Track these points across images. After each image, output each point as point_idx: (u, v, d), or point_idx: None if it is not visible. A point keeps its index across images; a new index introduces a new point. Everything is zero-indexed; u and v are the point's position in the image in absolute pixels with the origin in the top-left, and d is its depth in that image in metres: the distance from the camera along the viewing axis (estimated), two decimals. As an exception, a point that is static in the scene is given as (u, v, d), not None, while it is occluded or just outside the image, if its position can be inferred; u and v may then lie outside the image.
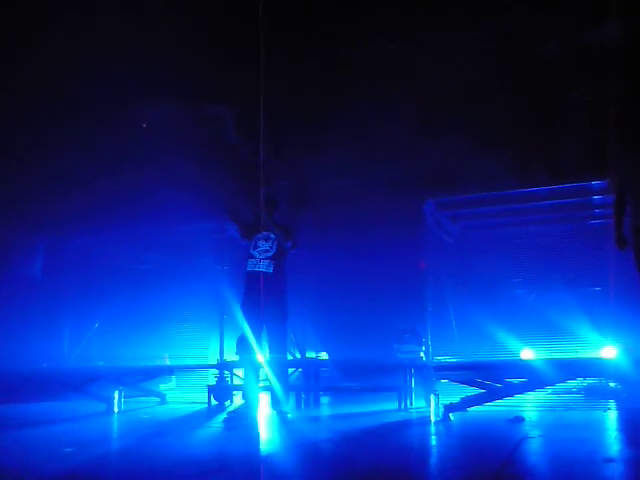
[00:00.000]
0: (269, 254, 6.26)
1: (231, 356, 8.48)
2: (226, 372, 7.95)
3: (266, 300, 6.10)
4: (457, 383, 6.33)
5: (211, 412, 7.10)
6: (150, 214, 8.37)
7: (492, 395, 5.91)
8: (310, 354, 8.78)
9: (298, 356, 8.68)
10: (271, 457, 4.29)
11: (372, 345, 8.14)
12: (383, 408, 6.89)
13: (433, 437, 5.06)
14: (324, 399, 8.12)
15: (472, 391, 6.02)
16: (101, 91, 8.43)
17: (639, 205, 5.63)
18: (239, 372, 8.08)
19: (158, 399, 7.97)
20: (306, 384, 7.72)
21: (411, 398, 6.96)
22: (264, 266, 6.22)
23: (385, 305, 8.50)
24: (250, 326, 6.22)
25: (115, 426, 6.09)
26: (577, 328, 7.57)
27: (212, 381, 7.94)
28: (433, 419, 5.71)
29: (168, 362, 8.81)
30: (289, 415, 6.19)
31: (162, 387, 8.48)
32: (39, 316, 8.30)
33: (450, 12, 8.03)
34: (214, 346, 8.57)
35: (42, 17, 7.87)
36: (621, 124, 6.61)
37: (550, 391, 6.81)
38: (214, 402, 7.62)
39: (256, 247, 6.32)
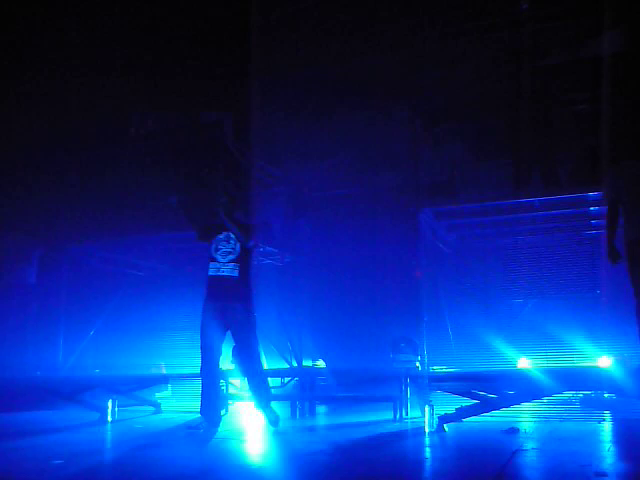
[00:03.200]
0: (232, 256, 5.76)
1: (227, 365, 8.48)
2: (221, 381, 7.92)
3: (232, 307, 5.69)
4: (452, 394, 6.33)
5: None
6: (143, 221, 8.35)
7: (487, 406, 5.90)
8: (307, 362, 8.76)
9: (294, 364, 8.66)
10: (263, 469, 4.27)
11: (368, 354, 8.14)
12: (378, 418, 6.88)
13: (427, 449, 5.04)
14: (320, 408, 8.10)
15: (467, 401, 6.02)
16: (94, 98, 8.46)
17: (631, 218, 5.61)
18: (235, 381, 8.07)
19: (153, 408, 7.94)
20: (301, 393, 7.71)
21: (406, 408, 6.94)
22: (228, 270, 5.75)
23: (381, 314, 8.49)
24: (212, 335, 5.69)
25: (108, 436, 6.06)
26: (573, 338, 7.55)
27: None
28: (427, 430, 5.70)
29: (164, 371, 8.78)
30: (274, 427, 5.87)
31: (158, 396, 8.45)
32: (34, 324, 8.28)
33: (448, 23, 8.08)
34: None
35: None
36: (615, 134, 6.62)
37: (546, 401, 6.79)
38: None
39: (217, 249, 5.81)
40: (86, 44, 8.53)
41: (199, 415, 5.78)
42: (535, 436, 5.66)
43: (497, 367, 7.62)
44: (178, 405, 8.34)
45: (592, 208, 7.28)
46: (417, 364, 7.34)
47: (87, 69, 8.42)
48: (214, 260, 5.78)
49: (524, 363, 7.81)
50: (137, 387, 7.84)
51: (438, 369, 7.58)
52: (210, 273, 5.77)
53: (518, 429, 5.70)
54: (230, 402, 7.87)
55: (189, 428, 5.81)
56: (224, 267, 5.74)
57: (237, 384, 8.16)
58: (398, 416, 6.83)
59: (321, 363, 8.88)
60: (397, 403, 6.88)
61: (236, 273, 5.72)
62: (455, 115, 8.36)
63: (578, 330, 7.50)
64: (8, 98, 8.17)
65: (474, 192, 7.87)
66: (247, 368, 5.89)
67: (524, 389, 5.80)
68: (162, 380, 8.34)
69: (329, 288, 9.07)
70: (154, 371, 8.68)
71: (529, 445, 5.01)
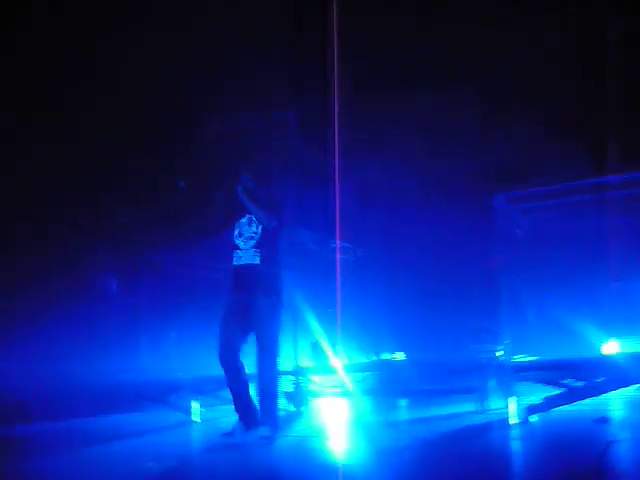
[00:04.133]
0: (254, 241, 5.06)
1: (306, 362, 8.53)
2: (301, 378, 7.97)
3: (255, 300, 4.99)
4: (538, 383, 6.17)
5: (289, 419, 7.11)
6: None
7: (575, 395, 5.73)
8: (386, 355, 8.72)
9: (374, 358, 8.64)
10: (349, 468, 4.26)
11: (448, 345, 8.03)
12: (462, 410, 6.74)
13: (515, 442, 4.92)
14: (401, 402, 8.04)
15: (553, 391, 5.85)
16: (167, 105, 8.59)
17: None
18: (315, 378, 8.11)
19: (236, 407, 8.06)
20: (382, 387, 7.67)
21: (490, 399, 6.79)
22: (249, 257, 5.03)
23: (459, 303, 8.36)
24: (231, 332, 5.12)
25: (195, 437, 6.20)
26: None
27: (289, 387, 7.95)
28: (514, 422, 5.56)
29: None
30: (267, 439, 5.03)
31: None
32: (117, 331, 8.53)
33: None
34: (287, 352, 8.61)
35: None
36: None
37: (638, 387, 6.53)
38: (292, 408, 7.65)
39: (240, 234, 5.12)
40: (156, 48, 8.63)
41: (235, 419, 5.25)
42: (628, 425, 5.44)
43: (582, 353, 7.37)
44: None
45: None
46: (499, 354, 7.18)
47: (153, 75, 8.57)
48: (236, 247, 5.10)
49: (612, 348, 7.54)
50: (220, 387, 7.95)
51: (520, 358, 7.39)
52: (233, 262, 5.09)
53: (609, 418, 5.49)
54: (310, 399, 7.90)
55: (224, 436, 5.22)
56: (245, 254, 5.05)
57: (317, 380, 8.21)
58: (482, 408, 6.69)
59: (400, 355, 8.82)
60: (480, 394, 6.74)
61: (257, 260, 5.01)
62: (525, 94, 8.12)
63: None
64: (84, 112, 8.38)
65: (548, 173, 7.62)
66: (258, 371, 5.14)
67: (614, 376, 5.60)
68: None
69: (404, 279, 9.00)
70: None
71: (623, 435, 4.83)
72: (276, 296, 5.11)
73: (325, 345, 8.55)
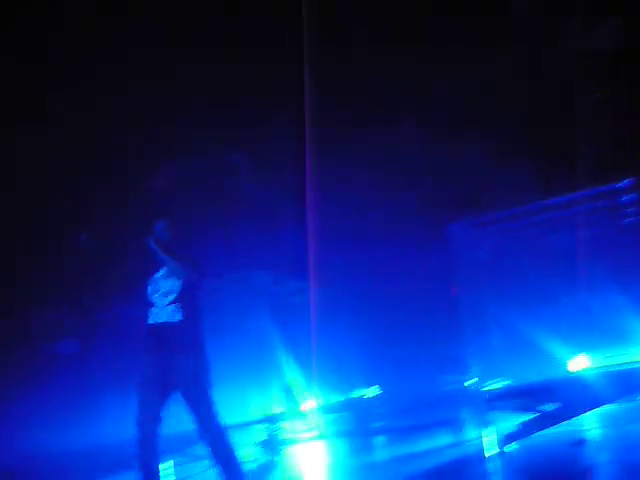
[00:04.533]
0: (172, 296, 4.61)
1: (278, 408, 8.37)
2: (274, 425, 7.81)
3: (177, 360, 4.50)
4: (511, 410, 6.13)
5: (265, 469, 6.88)
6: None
7: (549, 419, 5.69)
8: (358, 392, 8.62)
9: (346, 397, 8.53)
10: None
11: (415, 378, 7.95)
12: (438, 444, 6.59)
13: (495, 475, 4.83)
14: (376, 440, 7.89)
15: (527, 417, 5.81)
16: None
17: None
18: (288, 424, 7.95)
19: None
20: (356, 428, 7.54)
21: (465, 430, 6.71)
22: (167, 314, 4.58)
23: (427, 333, 8.30)
24: (150, 397, 4.51)
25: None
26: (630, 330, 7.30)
27: (262, 436, 7.75)
28: (493, 452, 5.48)
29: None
30: None
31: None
32: (82, 393, 8.25)
33: (457, 27, 7.85)
34: (259, 399, 8.44)
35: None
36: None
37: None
38: (267, 457, 7.44)
39: (156, 290, 4.68)
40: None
41: None
42: (606, 445, 5.39)
43: (552, 373, 7.36)
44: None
45: (624, 197, 7.08)
46: (469, 383, 7.13)
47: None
48: (151, 304, 4.65)
49: (581, 363, 7.55)
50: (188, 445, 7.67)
51: (491, 385, 7.36)
52: (148, 321, 4.62)
53: (585, 440, 5.44)
54: (285, 446, 7.72)
55: None
56: (162, 311, 4.60)
57: (291, 426, 8.05)
58: (458, 440, 6.59)
59: (374, 390, 8.71)
60: (455, 426, 6.67)
61: (178, 316, 4.57)
62: (471, 120, 8.19)
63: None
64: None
65: (503, 198, 7.69)
66: (204, 432, 4.53)
67: (587, 396, 5.59)
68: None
69: (372, 313, 8.92)
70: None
71: (601, 458, 4.77)
72: (200, 352, 4.64)
73: (298, 387, 8.43)
